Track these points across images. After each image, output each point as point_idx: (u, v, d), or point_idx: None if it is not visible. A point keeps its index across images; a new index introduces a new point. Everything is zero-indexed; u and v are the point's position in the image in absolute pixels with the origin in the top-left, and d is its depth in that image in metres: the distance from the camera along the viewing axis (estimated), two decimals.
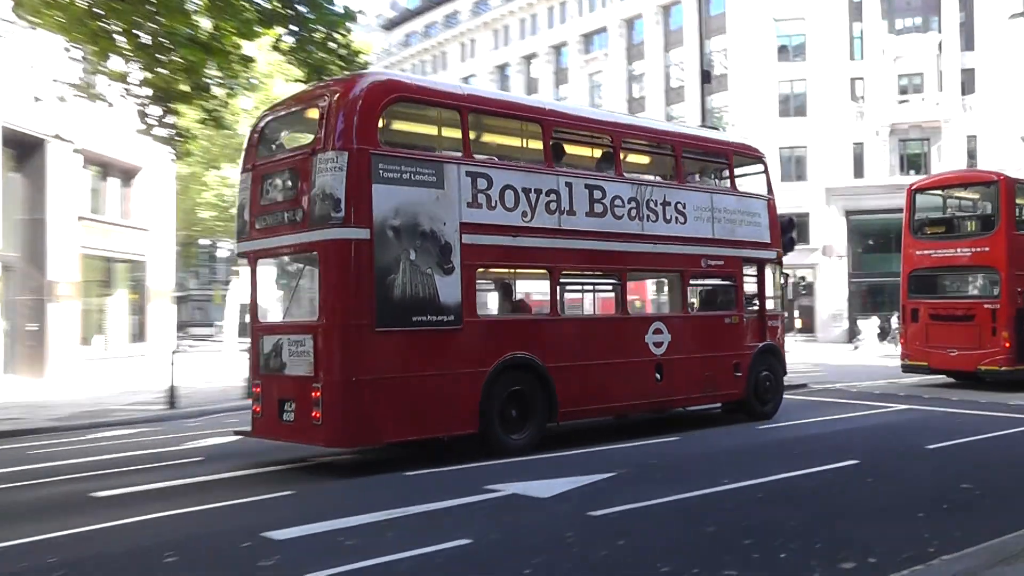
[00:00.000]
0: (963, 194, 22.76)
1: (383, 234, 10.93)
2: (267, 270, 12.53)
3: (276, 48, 13.96)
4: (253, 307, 12.20)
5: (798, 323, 45.43)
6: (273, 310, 12.70)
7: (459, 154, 11.84)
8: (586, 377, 12.94)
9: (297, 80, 14.73)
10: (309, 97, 11.94)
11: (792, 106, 48.75)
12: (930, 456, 11.44)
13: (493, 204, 12.03)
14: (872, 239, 47.63)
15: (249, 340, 12.15)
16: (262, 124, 12.36)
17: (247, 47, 14.72)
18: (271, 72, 33.22)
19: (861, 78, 47.61)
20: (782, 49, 48.93)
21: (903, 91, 47.25)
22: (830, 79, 47.50)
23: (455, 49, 72.36)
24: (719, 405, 15.67)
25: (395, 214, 11.02)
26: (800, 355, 32.41)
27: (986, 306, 20.59)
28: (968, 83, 46.52)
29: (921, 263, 21.67)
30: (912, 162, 47.38)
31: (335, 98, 11.08)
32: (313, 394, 10.79)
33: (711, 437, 13.51)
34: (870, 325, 35.91)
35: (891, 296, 46.42)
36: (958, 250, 21.27)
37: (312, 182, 10.98)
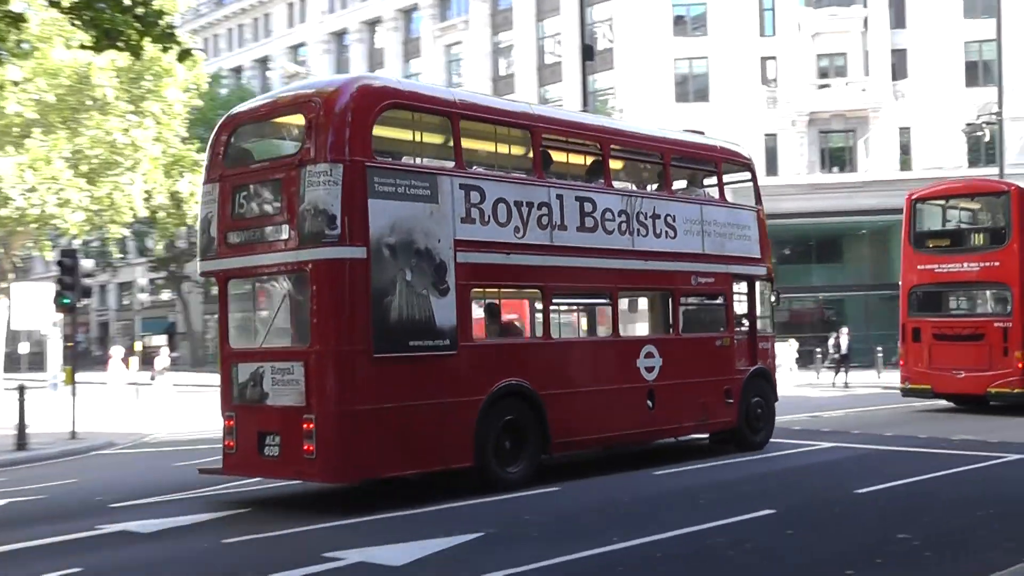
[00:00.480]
0: (969, 205, 25.10)
1: (379, 253, 12.16)
2: (239, 291, 13.48)
3: (55, 4, 13.51)
4: (223, 331, 13.21)
5: None
6: (246, 335, 13.46)
7: (452, 165, 13.18)
8: (579, 405, 14.38)
9: (84, 47, 14.12)
10: (289, 102, 13.16)
11: (691, 89, 50.36)
12: (860, 502, 11.89)
13: (486, 219, 13.40)
14: (789, 248, 49.67)
15: (219, 367, 13.15)
16: (230, 130, 13.35)
17: (15, 3, 14.17)
18: (48, 35, 32.00)
19: (773, 58, 49.63)
20: (679, 21, 50.46)
21: (823, 74, 49.49)
22: (736, 58, 49.33)
23: (281, 11, 71.40)
24: (707, 436, 17.29)
25: (391, 231, 12.28)
26: None
27: (997, 324, 22.84)
28: (899, 66, 49.10)
29: (923, 279, 23.95)
30: (835, 157, 49.69)
31: (323, 104, 12.24)
32: (305, 426, 11.92)
33: (599, 485, 13.71)
34: (788, 350, 37.25)
35: (815, 315, 48.35)
36: (965, 265, 23.44)
37: (300, 196, 12.09)
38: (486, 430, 13.16)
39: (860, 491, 12.51)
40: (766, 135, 48.40)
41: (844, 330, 37.32)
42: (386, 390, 12.19)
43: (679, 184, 17.36)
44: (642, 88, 49.67)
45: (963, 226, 24.73)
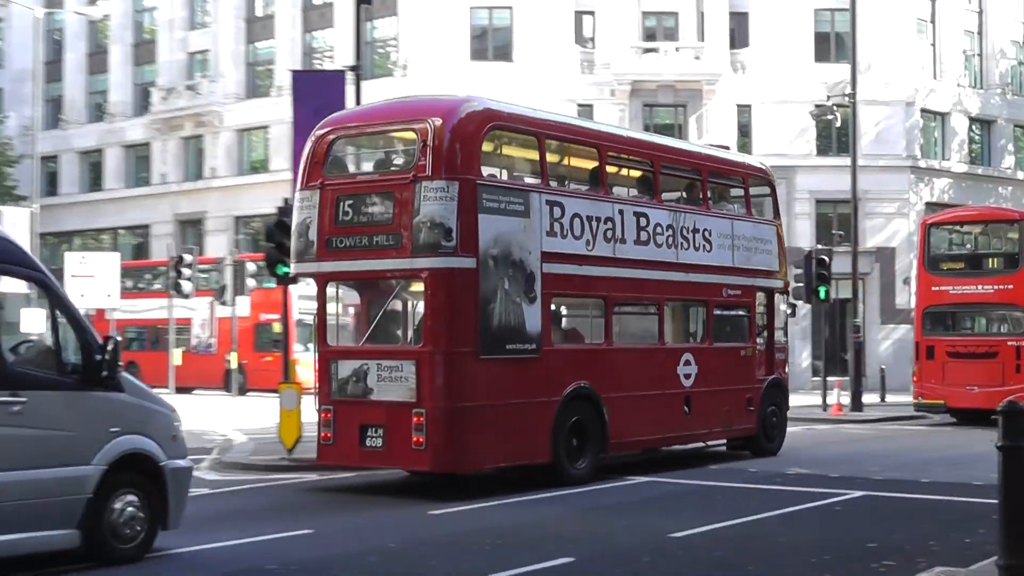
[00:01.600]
0: (983, 231, 32.41)
1: (485, 263, 16.18)
2: (338, 293, 17.52)
3: None
4: (321, 331, 17.20)
5: None
6: (346, 334, 17.89)
7: (539, 182, 17.56)
8: (631, 408, 18.59)
9: None
10: (399, 118, 17.36)
11: (491, 46, 50.90)
12: (674, 548, 12.27)
13: (565, 233, 17.54)
14: None
15: (317, 364, 17.20)
16: (329, 140, 17.22)
17: None
18: None
19: (591, 13, 50.65)
20: None
21: (650, 36, 50.85)
22: (546, 11, 50.06)
23: None
24: (725, 442, 21.92)
25: (495, 243, 16.29)
26: None
27: (1010, 343, 29.42)
28: (740, 33, 50.87)
29: (938, 299, 30.55)
30: (662, 134, 50.92)
31: (437, 124, 16.04)
32: (414, 420, 15.83)
33: (360, 529, 13.74)
34: None
35: None
36: (979, 287, 30.09)
37: (415, 209, 15.91)
38: (560, 429, 17.23)
39: (676, 535, 12.90)
40: (579, 105, 49.04)
41: None
42: (487, 389, 16.29)
43: (715, 201, 21.63)
44: (431, 41, 49.87)
45: (978, 251, 31.92)
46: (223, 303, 41.06)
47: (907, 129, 50.57)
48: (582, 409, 17.61)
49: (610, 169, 19.27)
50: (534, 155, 17.99)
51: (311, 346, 41.12)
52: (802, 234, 47.61)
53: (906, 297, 49.56)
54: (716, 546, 12.38)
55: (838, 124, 42.41)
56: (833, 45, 50.46)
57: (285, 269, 20.21)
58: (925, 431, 29.06)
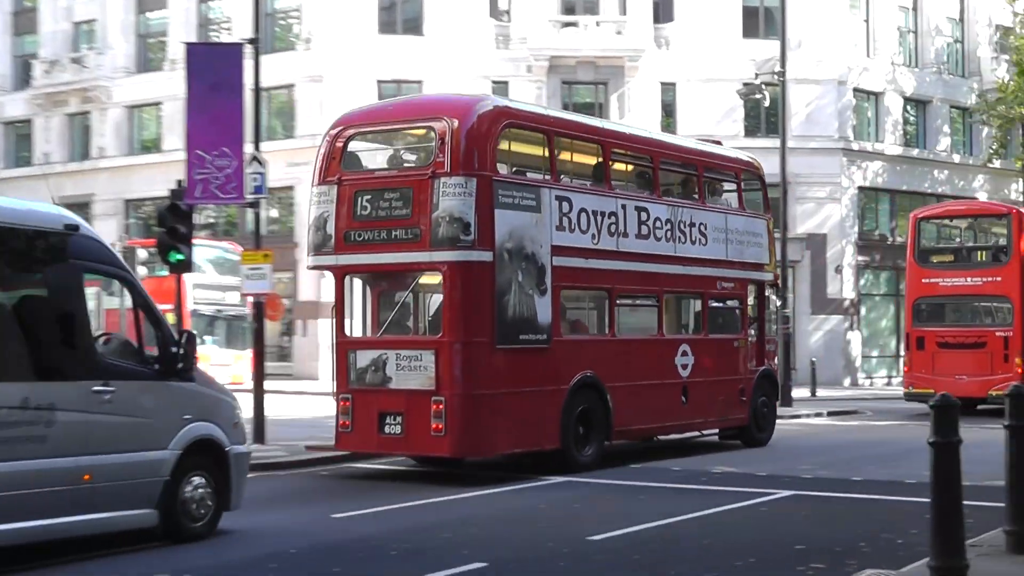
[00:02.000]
0: (972, 225, 35.76)
1: (501, 256, 18.01)
2: (356, 285, 19.80)
3: None
4: (339, 322, 18.89)
5: None
6: (364, 325, 20.03)
7: (548, 178, 19.46)
8: (633, 397, 20.50)
9: None
10: (416, 116, 19.48)
11: (400, 19, 50.75)
12: (593, 552, 12.35)
13: (573, 227, 19.44)
14: None
15: (335, 354, 18.93)
16: (345, 137, 19.08)
17: None
18: None
19: None
20: None
21: (569, 9, 50.90)
22: None
23: None
24: (717, 432, 23.77)
25: (509, 237, 18.15)
26: None
27: (998, 334, 32.50)
28: (664, 6, 51.05)
29: (928, 291, 33.80)
30: (581, 114, 51.11)
31: (454, 123, 17.87)
32: (434, 407, 17.60)
33: (263, 534, 13.66)
34: None
35: None
36: (969, 279, 33.28)
37: (434, 204, 17.70)
38: (568, 416, 19.09)
39: (595, 537, 12.99)
40: (494, 82, 49.11)
41: None
42: (502, 377, 18.20)
43: (709, 195, 23.52)
44: (336, 13, 49.61)
45: (967, 244, 35.14)
46: (110, 293, 40.58)
47: (839, 109, 51.16)
48: (588, 398, 19.55)
49: (613, 165, 21.17)
50: (543, 151, 19.74)
51: (208, 339, 41.09)
52: None
53: (838, 286, 50.23)
54: (636, 549, 12.48)
55: (767, 104, 42.81)
56: (762, 20, 50.85)
57: (179, 256, 20.19)
58: (857, 427, 29.50)
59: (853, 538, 12.89)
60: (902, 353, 52.49)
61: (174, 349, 12.91)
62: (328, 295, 24.17)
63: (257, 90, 23.71)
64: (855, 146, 51.74)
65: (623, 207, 20.63)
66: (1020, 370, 31.47)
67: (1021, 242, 32.51)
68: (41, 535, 11.62)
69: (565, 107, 48.77)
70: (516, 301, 18.29)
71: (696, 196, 22.83)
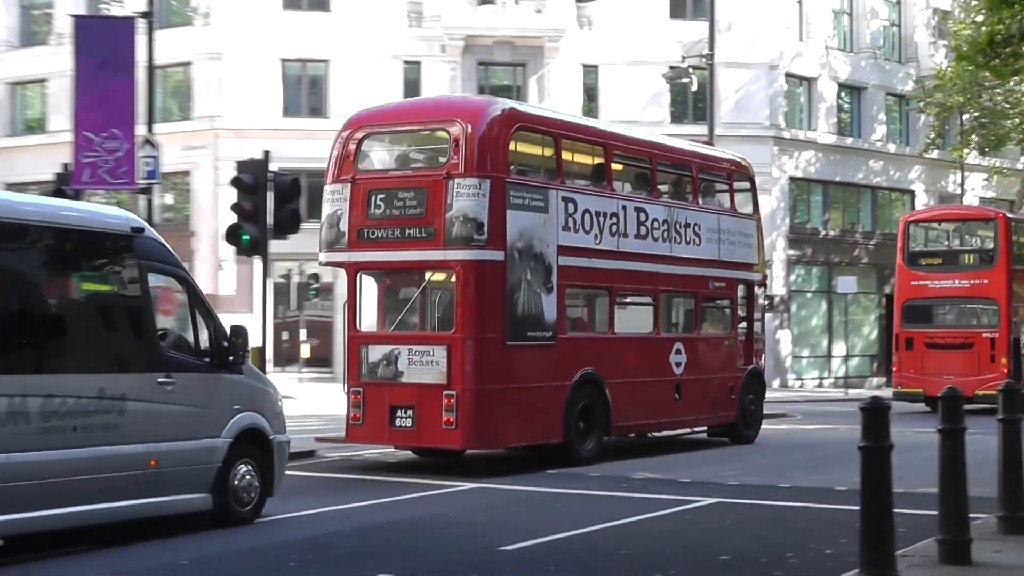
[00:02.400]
0: (960, 228, 39.20)
1: (512, 256, 19.84)
2: (368, 281, 21.38)
3: None
4: (352, 317, 20.66)
5: (307, 350, 46.71)
6: (376, 320, 21.46)
7: (556, 179, 21.19)
8: (631, 393, 22.28)
9: None
10: (430, 118, 21.54)
11: None
12: (506, 562, 12.41)
13: (577, 228, 21.31)
14: None
15: (347, 349, 20.80)
16: (359, 137, 20.91)
17: None
18: None
19: None
20: None
21: None
22: None
23: None
24: (706, 429, 25.89)
25: (519, 237, 19.98)
26: (312, 401, 33.63)
27: (985, 335, 35.84)
28: None
29: (916, 293, 37.15)
30: (499, 97, 51.14)
31: (469, 124, 19.70)
32: (446, 400, 19.35)
33: (163, 544, 13.59)
34: None
35: None
36: (956, 281, 36.73)
37: (448, 204, 19.46)
38: (571, 411, 20.88)
39: (508, 548, 13.05)
40: (406, 63, 49.17)
41: None
42: (511, 373, 20.00)
43: (703, 195, 25.59)
44: None
45: (955, 247, 38.36)
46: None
47: (770, 96, 51.63)
48: (589, 394, 21.35)
49: (614, 166, 22.97)
50: (551, 153, 21.45)
51: None
52: None
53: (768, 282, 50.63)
54: (551, 560, 12.54)
55: (694, 88, 43.14)
56: (690, 1, 51.18)
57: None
58: (785, 430, 29.79)
59: (780, 548, 13.02)
60: (835, 353, 53.59)
61: (225, 343, 14.70)
62: (227, 288, 24.33)
63: (151, 68, 23.57)
64: (787, 134, 52.26)
65: (623, 208, 22.59)
66: (1005, 370, 34.61)
67: (1007, 246, 36.10)
68: (112, 516, 13.34)
69: (481, 90, 48.92)
70: (525, 299, 20.16)
71: (690, 197, 25.01)
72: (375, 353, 20.24)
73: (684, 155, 25.59)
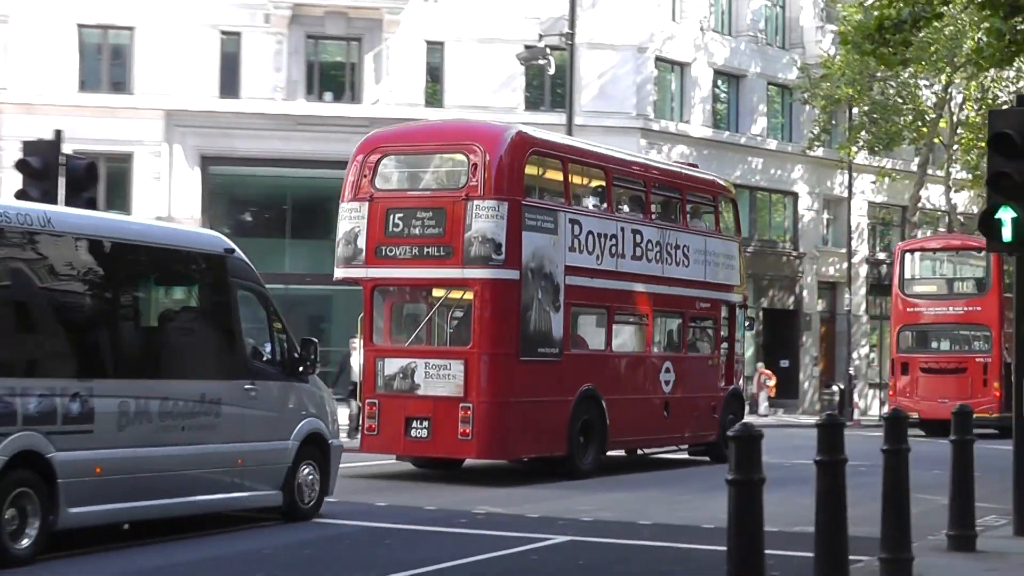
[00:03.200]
0: (954, 257, 46.36)
1: (526, 275, 23.30)
2: (384, 297, 24.90)
3: None
4: (368, 331, 24.09)
5: None
6: (392, 335, 24.99)
7: (563, 202, 24.94)
8: (625, 410, 25.95)
9: None
10: (448, 140, 25.14)
11: None
12: None
13: (582, 249, 24.89)
14: (253, 212, 50.29)
15: (363, 362, 24.45)
16: (377, 156, 24.27)
17: None
18: None
19: None
20: None
21: None
22: None
23: None
24: (687, 448, 29.73)
25: (532, 257, 23.43)
26: None
27: (978, 360, 42.64)
28: None
29: (912, 320, 44.54)
30: (330, 78, 51.01)
31: (487, 148, 23.15)
32: (462, 412, 22.76)
33: None
34: None
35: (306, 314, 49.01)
36: (950, 308, 43.69)
37: (467, 224, 22.87)
38: (574, 425, 24.48)
39: None
40: (224, 33, 48.81)
41: (353, 342, 38.27)
42: (523, 387, 23.43)
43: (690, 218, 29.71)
44: None
45: (948, 275, 45.61)
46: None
47: (638, 82, 52.00)
48: (589, 409, 24.95)
49: (614, 189, 26.62)
50: (559, 176, 25.15)
51: None
52: None
53: None
54: None
55: (552, 72, 43.11)
56: None
57: None
58: (651, 461, 29.96)
59: None
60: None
61: (296, 354, 18.29)
62: None
63: None
64: (656, 126, 52.72)
65: (622, 229, 26.33)
66: (998, 394, 40.94)
67: (999, 274, 41.76)
68: (206, 508, 16.95)
69: (310, 66, 48.80)
70: (536, 317, 23.72)
71: (680, 219, 28.99)
72: (391, 366, 23.69)
73: (676, 178, 29.69)
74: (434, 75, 50.45)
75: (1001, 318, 41.22)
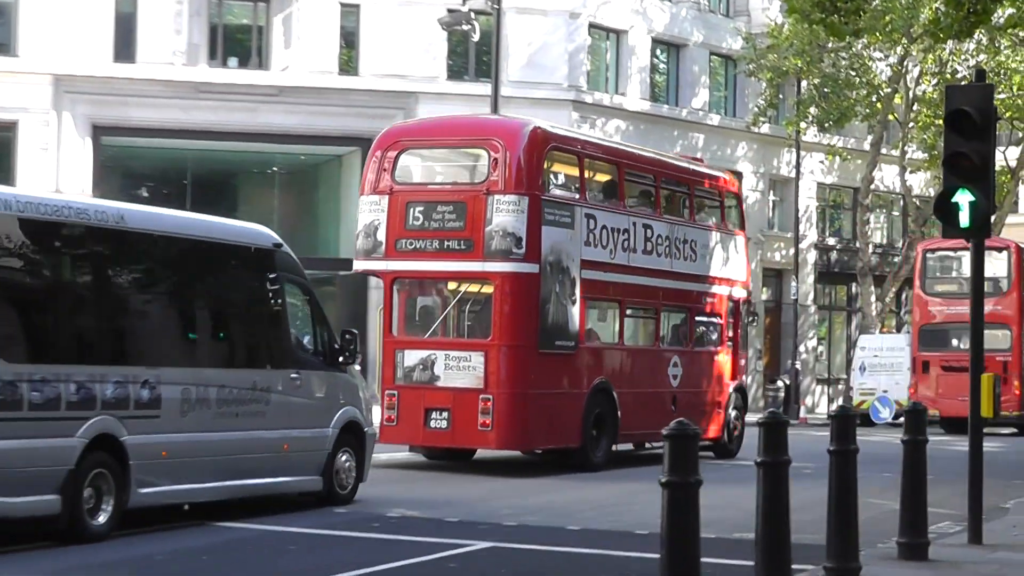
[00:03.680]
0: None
1: (545, 269, 25.73)
2: (404, 289, 27.44)
3: None
4: (388, 323, 26.67)
5: None
6: (412, 327, 27.26)
7: (579, 196, 27.62)
8: (635, 403, 28.39)
9: None
10: (468, 135, 27.80)
11: None
12: None
13: (596, 243, 27.38)
14: (150, 187, 49.96)
15: (381, 353, 26.97)
16: (397, 151, 26.57)
17: None
18: None
19: None
20: None
21: None
22: None
23: None
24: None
25: (551, 251, 25.89)
26: None
27: (998, 359, 44.23)
28: None
29: (932, 319, 49.02)
30: (235, 42, 50.53)
31: (507, 144, 25.69)
32: (482, 404, 25.21)
33: None
34: None
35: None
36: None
37: (488, 219, 25.31)
38: (588, 418, 26.94)
39: None
40: None
41: None
42: (541, 379, 25.85)
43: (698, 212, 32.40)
44: None
45: (968, 275, 42.73)
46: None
47: (570, 51, 51.95)
48: (601, 402, 27.43)
49: (626, 184, 29.21)
50: (575, 171, 27.85)
51: None
52: None
53: None
54: None
55: (476, 38, 43.06)
56: None
57: None
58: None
59: None
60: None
61: (336, 345, 20.62)
62: None
63: None
64: (589, 98, 52.80)
65: (633, 224, 28.89)
66: (1018, 392, 46.28)
67: (1019, 273, 47.38)
68: (254, 492, 19.33)
69: (213, 28, 48.56)
70: (554, 310, 26.14)
71: (688, 213, 31.56)
72: (411, 358, 25.99)
73: (684, 172, 32.36)
74: (349, 40, 50.27)
75: (1021, 317, 47.26)
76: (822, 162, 60.67)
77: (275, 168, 51.20)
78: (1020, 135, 59.18)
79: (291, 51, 49.36)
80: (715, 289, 32.19)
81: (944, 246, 49.81)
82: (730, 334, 33.00)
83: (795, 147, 56.81)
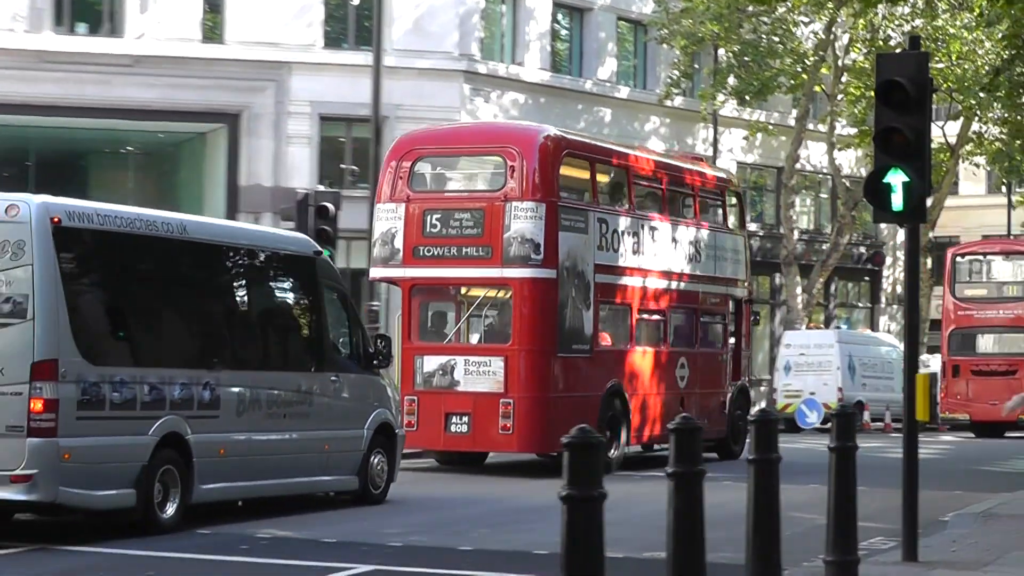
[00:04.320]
0: (1004, 260, 57.72)
1: (562, 274, 29.22)
2: (422, 296, 31.04)
3: None
4: (406, 329, 29.96)
5: None
6: (431, 333, 31.05)
7: (591, 201, 31.28)
8: (646, 405, 32.27)
9: None
10: (484, 143, 31.89)
11: None
12: None
13: (608, 247, 30.98)
14: None
15: (401, 359, 29.51)
16: (413, 158, 29.93)
17: None
18: None
19: None
20: None
21: None
22: None
23: None
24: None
25: (567, 256, 29.37)
26: None
27: None
28: None
29: (963, 323, 54.84)
30: (84, 4, 50.50)
31: (523, 151, 29.03)
32: (502, 408, 28.53)
33: None
34: None
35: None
36: (1000, 311, 54.71)
37: (506, 225, 28.60)
38: (603, 420, 29.44)
39: None
40: None
41: None
42: (560, 382, 29.19)
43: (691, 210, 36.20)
44: None
45: (998, 279, 55.95)
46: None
47: (461, 15, 52.16)
48: (614, 404, 30.57)
49: (635, 187, 32.62)
50: (587, 176, 30.89)
51: None
52: (297, 167, 48.37)
53: None
54: None
55: (356, 2, 43.08)
56: None
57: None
58: (476, 476, 30.15)
59: None
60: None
61: (371, 349, 23.57)
62: None
63: None
64: (482, 68, 53.02)
65: (642, 227, 32.22)
66: None
67: None
68: (298, 490, 22.30)
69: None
70: (571, 314, 29.27)
71: (692, 215, 35.13)
72: (430, 364, 29.12)
73: (688, 174, 35.58)
74: (212, 4, 50.29)
75: None
76: (744, 139, 60.97)
77: (130, 147, 51.29)
78: (959, 108, 59.31)
79: (148, 16, 49.15)
80: (718, 289, 35.83)
81: (974, 250, 57.25)
82: (732, 334, 36.62)
83: (712, 122, 57.17)
